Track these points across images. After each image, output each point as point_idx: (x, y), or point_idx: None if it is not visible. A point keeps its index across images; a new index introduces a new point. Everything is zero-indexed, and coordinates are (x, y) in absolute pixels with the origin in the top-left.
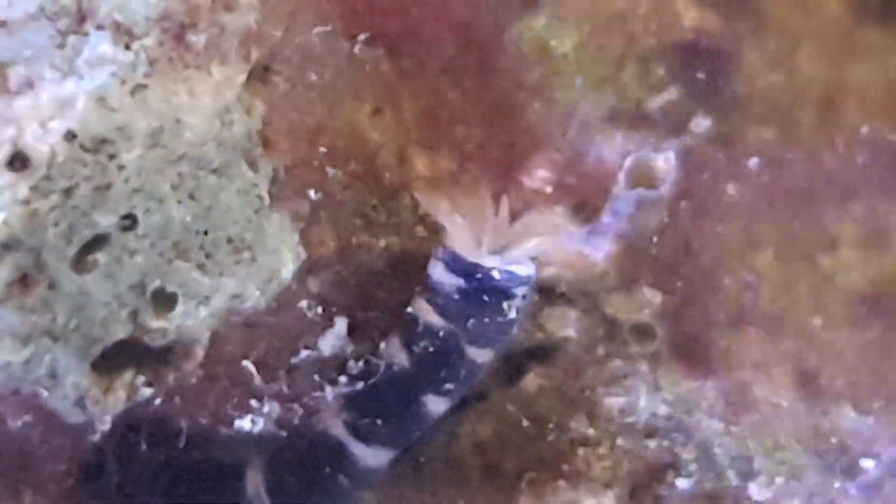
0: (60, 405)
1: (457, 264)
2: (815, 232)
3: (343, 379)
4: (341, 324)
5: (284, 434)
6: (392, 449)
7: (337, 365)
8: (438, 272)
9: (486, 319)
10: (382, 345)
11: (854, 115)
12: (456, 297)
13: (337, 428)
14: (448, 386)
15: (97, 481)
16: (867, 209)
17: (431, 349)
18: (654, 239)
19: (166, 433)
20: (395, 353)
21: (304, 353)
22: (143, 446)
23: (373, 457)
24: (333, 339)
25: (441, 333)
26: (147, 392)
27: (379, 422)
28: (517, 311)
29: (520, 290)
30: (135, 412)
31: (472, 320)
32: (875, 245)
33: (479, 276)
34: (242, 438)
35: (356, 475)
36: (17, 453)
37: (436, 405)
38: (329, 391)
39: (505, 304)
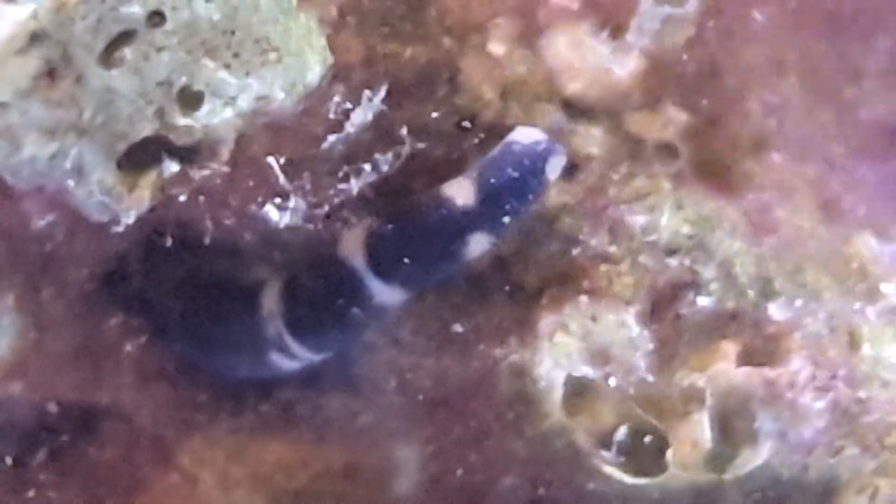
0: (85, 202)
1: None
2: (840, 61)
3: (367, 167)
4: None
5: (302, 258)
6: (410, 291)
7: (362, 155)
8: None
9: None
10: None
11: None
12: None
13: (357, 259)
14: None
15: (118, 286)
16: (893, 42)
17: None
18: (680, 58)
19: (189, 238)
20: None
21: (331, 138)
22: (167, 251)
23: (388, 294)
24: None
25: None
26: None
27: (406, 260)
28: None
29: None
30: (159, 215)
31: None
32: None
33: None
34: (263, 256)
35: (369, 310)
36: (39, 254)
37: (478, 244)
38: (353, 183)
39: None
